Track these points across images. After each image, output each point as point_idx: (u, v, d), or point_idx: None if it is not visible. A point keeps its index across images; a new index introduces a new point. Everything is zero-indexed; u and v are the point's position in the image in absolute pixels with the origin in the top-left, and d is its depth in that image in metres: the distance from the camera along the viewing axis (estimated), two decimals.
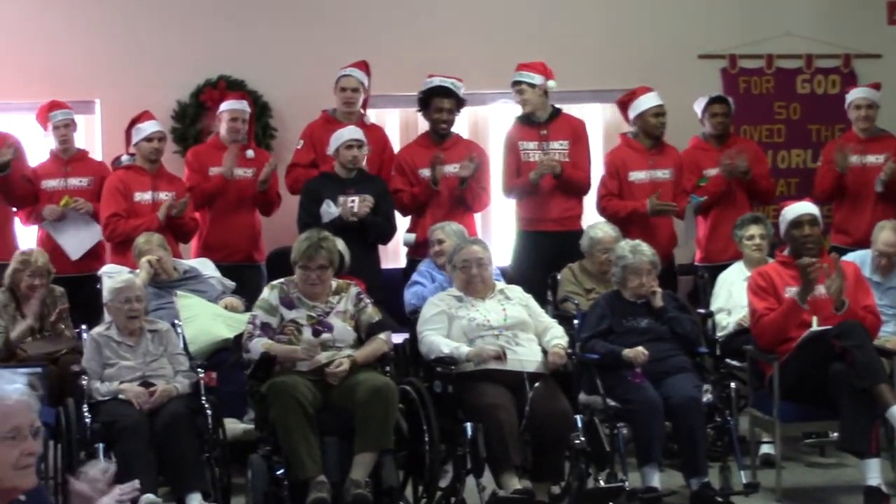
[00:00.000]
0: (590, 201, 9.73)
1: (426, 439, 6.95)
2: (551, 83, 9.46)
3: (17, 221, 9.43)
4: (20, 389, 3.61)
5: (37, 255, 8.35)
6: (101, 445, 6.83)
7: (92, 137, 10.32)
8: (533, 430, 6.99)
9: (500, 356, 7.10)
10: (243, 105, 9.65)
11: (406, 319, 8.23)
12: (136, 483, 4.02)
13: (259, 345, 6.96)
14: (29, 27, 10.19)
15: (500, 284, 7.76)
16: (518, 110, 9.65)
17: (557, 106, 9.62)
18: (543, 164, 9.31)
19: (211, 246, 9.37)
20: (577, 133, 9.61)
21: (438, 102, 9.48)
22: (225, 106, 9.64)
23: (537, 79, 9.43)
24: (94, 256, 9.32)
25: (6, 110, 9.78)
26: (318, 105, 9.86)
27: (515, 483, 6.80)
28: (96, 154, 10.00)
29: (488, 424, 6.86)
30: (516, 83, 9.47)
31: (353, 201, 8.85)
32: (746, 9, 11.11)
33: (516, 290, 7.69)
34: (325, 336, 7.03)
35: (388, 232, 9.20)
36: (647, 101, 9.60)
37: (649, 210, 9.36)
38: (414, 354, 7.62)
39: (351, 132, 9.09)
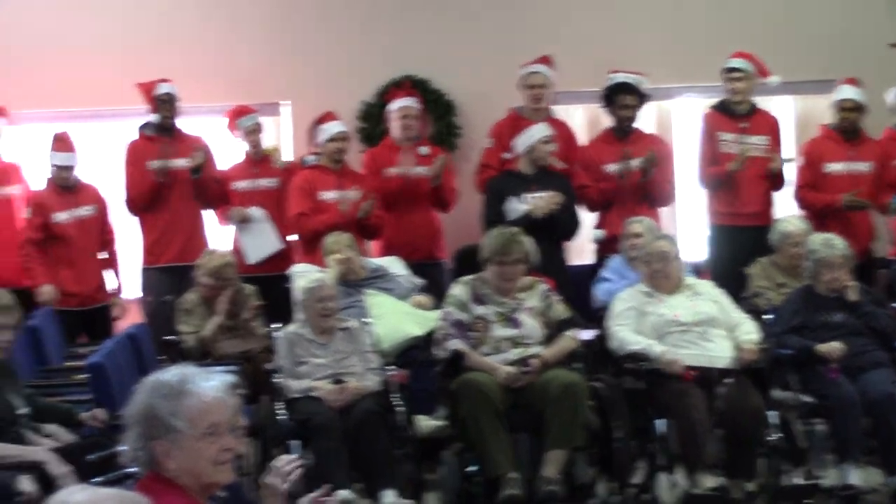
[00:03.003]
0: (782, 195, 9.58)
1: (617, 436, 6.90)
2: (775, 78, 9.35)
3: (209, 223, 9.62)
4: (217, 387, 3.66)
5: (210, 258, 8.54)
6: (295, 442, 6.93)
7: (280, 139, 10.47)
8: (725, 426, 6.90)
9: (685, 373, 7.01)
10: (413, 102, 9.69)
11: (592, 316, 8.18)
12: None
13: (457, 348, 6.99)
14: (221, 32, 10.40)
15: (690, 280, 7.67)
16: (704, 101, 9.52)
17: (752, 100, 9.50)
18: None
19: (393, 245, 9.41)
20: (774, 130, 9.49)
21: (622, 99, 9.41)
22: (394, 105, 9.69)
23: (751, 68, 9.33)
24: (283, 256, 9.45)
25: (197, 113, 9.97)
26: (502, 102, 9.84)
27: (709, 480, 6.72)
28: (286, 155, 10.13)
29: (680, 420, 6.80)
30: (731, 70, 9.35)
31: (541, 198, 8.82)
32: None
33: (706, 286, 7.60)
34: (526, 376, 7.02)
35: (574, 228, 9.14)
36: (839, 93, 9.40)
37: (843, 204, 9.16)
38: (603, 351, 7.56)
39: (542, 129, 9.05)
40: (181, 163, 9.33)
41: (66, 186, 9.17)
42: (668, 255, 7.48)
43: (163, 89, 9.38)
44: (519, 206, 8.83)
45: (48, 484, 5.60)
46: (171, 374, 3.67)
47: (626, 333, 7.24)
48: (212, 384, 3.64)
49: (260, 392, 7.43)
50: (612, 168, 9.34)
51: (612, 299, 7.66)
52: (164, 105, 9.39)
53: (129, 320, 9.18)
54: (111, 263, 9.37)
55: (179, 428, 3.59)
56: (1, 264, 9.11)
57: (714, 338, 7.22)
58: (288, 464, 4.05)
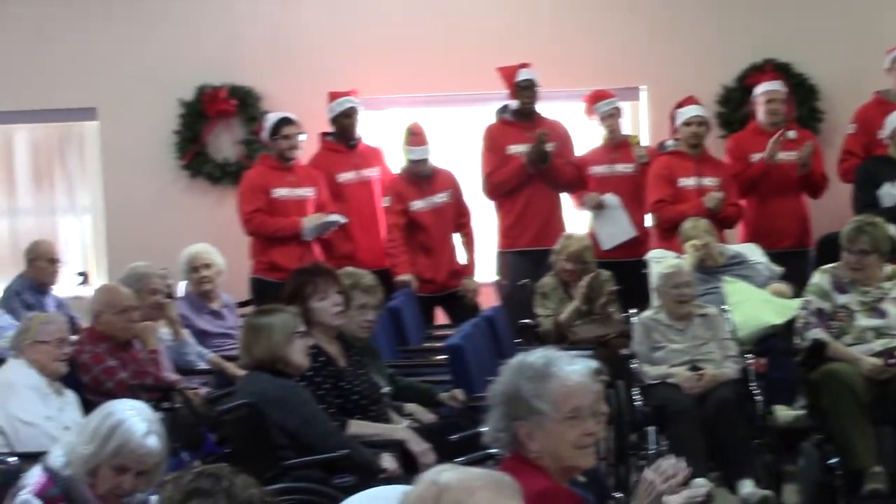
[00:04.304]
0: None
1: None
2: None
3: (563, 209, 9.65)
4: (581, 371, 3.69)
5: (573, 241, 8.58)
6: (651, 428, 6.89)
7: (637, 123, 10.43)
8: None
9: None
10: (779, 86, 9.48)
11: None
12: (702, 489, 4.03)
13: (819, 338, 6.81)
14: (580, 17, 10.42)
15: None
16: None
17: None
18: None
19: (757, 232, 9.23)
20: None
21: None
22: (760, 89, 9.51)
23: None
24: (639, 242, 9.41)
25: (556, 98, 10.01)
26: (867, 86, 9.52)
27: None
28: (644, 140, 10.07)
29: None
30: None
31: None
32: None
33: None
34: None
35: None
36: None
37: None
38: None
39: None
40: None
41: (421, 175, 9.36)
42: None
43: (523, 75, 9.45)
44: (893, 191, 8.51)
45: (409, 462, 5.73)
46: (537, 356, 3.71)
47: None
48: (576, 368, 3.68)
49: (616, 377, 7.41)
50: None
51: None
52: (524, 91, 9.46)
53: (484, 303, 9.30)
54: (467, 245, 9.50)
55: (543, 410, 3.63)
56: (362, 246, 9.37)
57: None
58: (673, 466, 4.01)
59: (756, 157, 9.33)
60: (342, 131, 9.54)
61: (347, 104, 9.49)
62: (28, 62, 10.44)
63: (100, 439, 4.10)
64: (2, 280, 9.27)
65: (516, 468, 3.53)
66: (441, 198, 9.35)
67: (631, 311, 7.83)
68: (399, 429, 6.02)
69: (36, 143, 10.79)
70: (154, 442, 4.13)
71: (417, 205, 9.28)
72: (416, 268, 9.31)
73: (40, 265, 8.99)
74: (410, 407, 6.49)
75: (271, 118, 9.31)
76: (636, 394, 7.12)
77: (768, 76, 9.72)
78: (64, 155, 10.78)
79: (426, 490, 2.84)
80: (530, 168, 9.28)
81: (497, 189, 9.47)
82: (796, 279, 8.06)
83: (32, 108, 10.52)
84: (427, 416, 6.45)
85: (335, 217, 9.13)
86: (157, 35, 10.47)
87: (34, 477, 4.15)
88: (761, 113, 9.44)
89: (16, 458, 5.30)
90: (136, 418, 4.15)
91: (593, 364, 3.76)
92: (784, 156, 9.27)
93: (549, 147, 9.28)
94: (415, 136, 9.29)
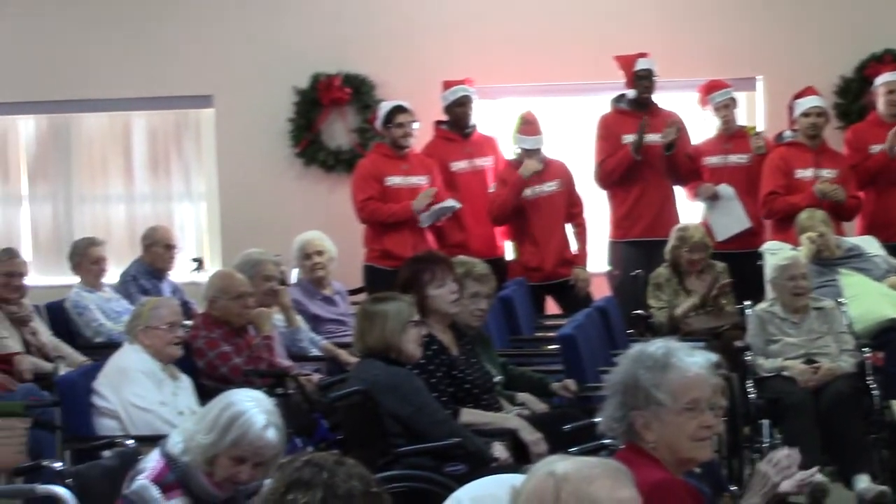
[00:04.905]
0: None
1: None
2: None
3: (676, 199, 9.57)
4: (701, 363, 3.66)
5: (692, 231, 8.52)
6: (765, 421, 6.82)
7: (754, 114, 10.32)
8: None
9: None
10: None
11: None
12: (814, 471, 3.99)
13: None
14: (696, 6, 10.34)
15: None
16: None
17: None
18: None
19: (877, 224, 9.09)
20: None
21: None
22: (880, 79, 9.39)
23: None
24: (753, 233, 9.31)
25: (671, 88, 9.92)
26: None
27: None
28: (760, 128, 9.95)
29: None
30: None
31: None
32: None
33: None
34: None
35: None
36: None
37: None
38: None
39: None
40: (654, 138, 9.31)
41: None
42: None
43: (641, 65, 9.38)
44: None
45: (520, 451, 5.72)
46: (656, 346, 3.68)
47: None
48: (695, 360, 3.65)
49: (730, 370, 7.34)
50: None
51: None
52: (642, 81, 9.40)
53: (596, 293, 9.26)
54: (579, 235, 9.46)
55: (661, 400, 3.61)
56: (474, 235, 9.38)
57: None
58: (787, 458, 3.97)
59: (876, 148, 9.19)
60: (455, 120, 9.56)
61: (461, 93, 9.51)
62: (145, 51, 10.58)
63: (219, 429, 4.13)
64: (119, 265, 9.39)
65: (632, 459, 3.50)
66: (550, 187, 9.31)
67: (745, 303, 7.75)
68: (511, 418, 6.01)
69: (153, 130, 10.93)
70: (273, 434, 4.16)
71: (525, 194, 9.26)
72: (523, 256, 9.31)
73: (157, 251, 9.10)
74: (522, 396, 6.47)
75: (385, 106, 9.36)
76: (750, 386, 7.05)
77: (888, 67, 9.58)
78: (180, 142, 10.92)
79: (543, 481, 2.82)
80: (635, 155, 9.22)
81: (607, 177, 9.42)
82: None
83: (150, 95, 10.65)
84: (539, 405, 6.43)
85: (450, 202, 9.15)
86: (272, 23, 10.56)
87: (152, 462, 4.19)
88: (881, 104, 9.30)
89: (132, 442, 5.39)
90: (255, 410, 4.16)
91: (713, 356, 3.72)
92: None
93: (671, 135, 9.21)
94: (528, 126, 9.26)
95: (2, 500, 5.01)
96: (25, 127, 10.99)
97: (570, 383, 6.60)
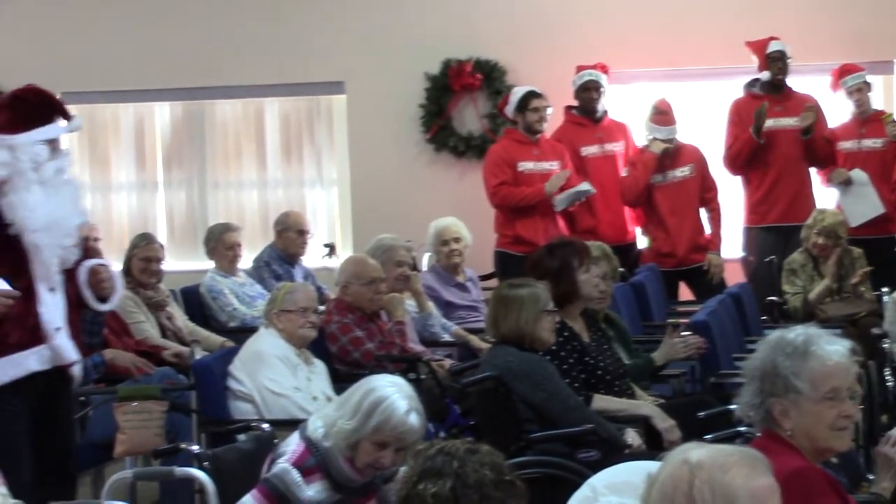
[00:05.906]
0: None
1: None
2: None
3: (812, 184, 9.45)
4: (840, 351, 3.61)
5: (826, 215, 8.47)
6: None
7: (891, 98, 10.13)
8: None
9: None
10: None
11: None
12: None
13: None
14: None
15: None
16: None
17: None
18: None
19: None
20: None
21: None
22: None
23: None
24: (888, 219, 9.17)
25: (806, 72, 9.78)
26: None
27: None
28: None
29: None
30: None
31: None
32: None
33: None
34: None
35: None
36: None
37: None
38: None
39: None
40: (790, 122, 9.19)
41: (664, 152, 9.26)
42: None
43: (774, 47, 9.28)
44: None
45: (654, 438, 5.68)
46: (796, 333, 3.64)
47: None
48: (836, 348, 3.61)
49: (867, 357, 7.22)
50: None
51: None
52: (775, 63, 9.29)
53: (730, 279, 9.18)
54: (712, 220, 9.38)
55: (800, 388, 3.56)
56: (604, 220, 9.36)
57: None
58: None
59: None
60: (583, 104, 9.54)
61: (587, 77, 9.50)
62: (278, 38, 10.67)
63: (361, 415, 4.15)
64: (252, 251, 9.50)
65: (769, 446, 3.46)
66: (683, 172, 9.25)
67: (883, 289, 7.62)
68: (644, 404, 5.97)
69: (285, 116, 11.03)
70: (415, 419, 4.17)
71: (656, 179, 9.19)
72: (655, 241, 9.29)
73: (289, 236, 9.18)
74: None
75: (518, 91, 9.34)
76: (888, 374, 6.92)
77: None
78: (312, 128, 11.01)
79: (677, 469, 2.79)
80: (757, 138, 9.10)
81: (733, 161, 9.35)
82: None
83: (282, 82, 10.76)
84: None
85: (585, 186, 9.12)
86: (403, 9, 10.60)
87: (292, 445, 4.23)
88: None
89: (269, 426, 5.45)
90: (397, 395, 4.18)
91: (852, 345, 3.67)
92: None
93: (809, 119, 9.10)
94: (662, 115, 9.20)
95: (141, 481, 5.09)
96: (161, 114, 11.15)
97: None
